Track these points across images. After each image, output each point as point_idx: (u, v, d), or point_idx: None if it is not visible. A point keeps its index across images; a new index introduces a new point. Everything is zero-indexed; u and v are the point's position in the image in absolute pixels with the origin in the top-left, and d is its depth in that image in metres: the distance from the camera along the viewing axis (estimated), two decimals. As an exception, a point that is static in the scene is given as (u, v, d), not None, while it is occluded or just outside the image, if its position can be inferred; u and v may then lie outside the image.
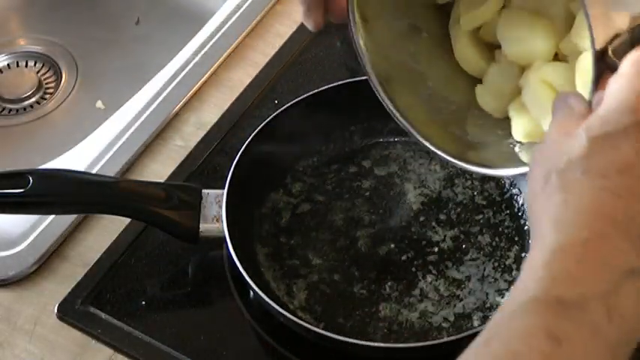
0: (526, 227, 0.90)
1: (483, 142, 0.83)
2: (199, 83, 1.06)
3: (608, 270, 0.53)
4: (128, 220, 0.94)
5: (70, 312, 0.89)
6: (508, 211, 0.92)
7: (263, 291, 0.83)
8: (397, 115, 0.83)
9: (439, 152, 0.82)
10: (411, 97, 0.85)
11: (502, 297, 0.86)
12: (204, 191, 0.90)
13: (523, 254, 0.89)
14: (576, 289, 0.52)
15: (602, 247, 0.53)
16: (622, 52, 0.62)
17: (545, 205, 0.56)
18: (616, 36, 0.63)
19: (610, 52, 0.63)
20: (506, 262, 0.89)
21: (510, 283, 0.87)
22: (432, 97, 0.85)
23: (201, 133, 1.02)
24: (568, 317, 0.52)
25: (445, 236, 0.91)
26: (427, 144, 0.83)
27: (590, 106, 0.61)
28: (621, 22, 0.63)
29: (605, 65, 0.63)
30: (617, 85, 0.58)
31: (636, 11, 0.64)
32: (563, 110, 0.61)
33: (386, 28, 0.84)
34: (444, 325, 0.85)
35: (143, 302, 0.90)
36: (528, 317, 0.53)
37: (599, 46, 0.62)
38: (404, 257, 0.90)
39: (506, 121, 0.83)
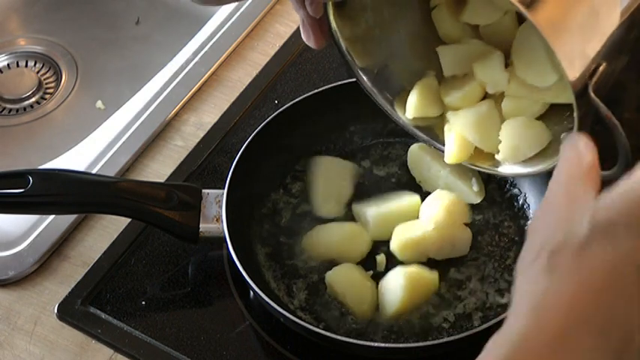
0: (526, 227, 0.90)
1: None
2: (199, 83, 1.06)
3: None
4: (128, 220, 0.94)
5: (70, 312, 0.89)
6: (508, 212, 0.92)
7: (263, 291, 0.83)
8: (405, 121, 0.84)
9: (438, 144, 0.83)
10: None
11: (502, 297, 0.86)
12: (204, 191, 0.90)
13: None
14: None
15: (567, 346, 0.50)
16: (604, 86, 0.61)
17: (528, 283, 0.54)
18: (594, 70, 0.61)
19: (591, 89, 0.61)
20: (507, 262, 0.89)
21: (510, 283, 0.87)
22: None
23: (201, 133, 1.02)
24: None
25: (445, 236, 0.91)
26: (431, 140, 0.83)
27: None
28: (594, 51, 0.61)
29: (587, 105, 0.61)
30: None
31: (607, 33, 0.61)
32: (572, 158, 0.57)
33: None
34: (444, 325, 0.85)
35: (143, 302, 0.90)
36: None
37: (576, 87, 0.60)
38: (404, 257, 0.90)
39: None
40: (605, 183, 0.55)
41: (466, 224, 0.90)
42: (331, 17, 0.78)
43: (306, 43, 0.78)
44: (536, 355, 0.50)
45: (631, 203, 0.52)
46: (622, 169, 0.63)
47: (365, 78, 0.84)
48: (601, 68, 0.61)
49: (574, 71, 0.60)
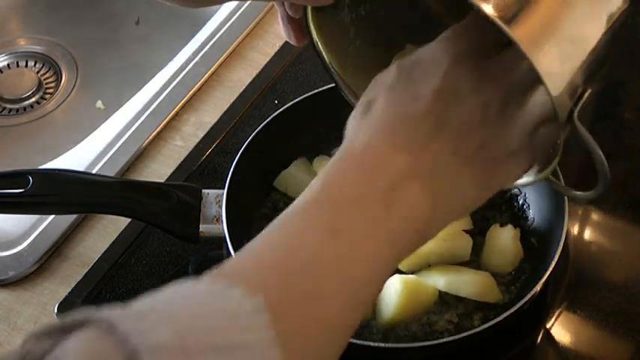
0: (526, 228, 0.90)
1: None
2: (199, 83, 1.06)
3: (384, 174, 0.58)
4: (128, 220, 0.94)
5: (70, 312, 0.89)
6: (508, 212, 0.92)
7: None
8: None
9: None
10: None
11: (502, 296, 0.86)
12: (204, 191, 0.90)
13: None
14: (355, 188, 0.58)
15: (376, 157, 0.59)
16: (585, 110, 0.61)
17: (351, 122, 0.63)
18: (580, 96, 0.61)
19: (576, 116, 0.61)
20: (507, 262, 0.89)
21: (510, 283, 0.87)
22: None
23: (201, 133, 1.02)
24: (346, 213, 0.57)
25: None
26: None
27: None
28: (579, 75, 0.60)
29: (571, 130, 0.61)
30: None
31: (591, 52, 0.61)
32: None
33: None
34: (447, 326, 0.85)
35: (143, 302, 0.90)
36: (307, 215, 0.57)
37: (562, 115, 0.60)
38: (404, 257, 0.90)
39: None
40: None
41: (466, 230, 0.89)
42: (309, 18, 0.77)
43: (287, 40, 0.78)
44: (356, 162, 0.59)
45: (420, 54, 0.62)
46: (601, 190, 0.63)
47: (338, 76, 0.83)
48: (586, 94, 0.61)
49: (558, 93, 0.60)
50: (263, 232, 0.57)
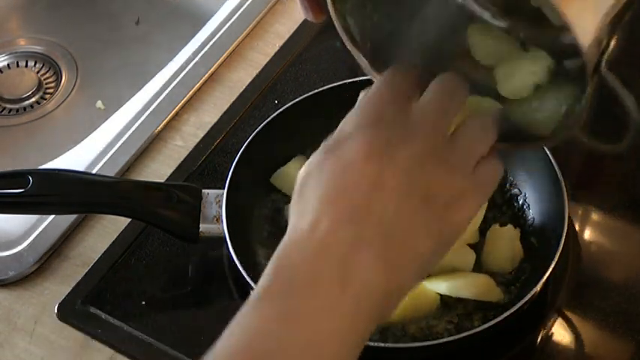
0: (526, 228, 0.90)
1: None
2: (199, 83, 1.06)
3: (332, 251, 0.57)
4: (128, 220, 0.94)
5: (70, 312, 0.89)
6: (508, 212, 0.92)
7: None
8: None
9: None
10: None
11: (502, 296, 0.86)
12: (204, 191, 0.90)
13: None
14: (305, 272, 0.57)
15: (322, 235, 0.58)
16: (611, 59, 0.61)
17: (292, 206, 0.62)
18: (606, 45, 0.61)
19: (604, 63, 0.61)
20: (507, 262, 0.89)
21: (510, 283, 0.87)
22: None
23: (201, 133, 1.02)
24: (298, 299, 0.56)
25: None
26: None
27: None
28: (606, 21, 0.60)
29: (599, 80, 0.61)
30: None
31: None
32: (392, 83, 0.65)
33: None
34: (447, 326, 0.85)
35: (143, 302, 0.90)
36: (264, 304, 0.57)
37: (590, 62, 0.60)
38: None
39: None
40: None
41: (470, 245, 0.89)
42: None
43: (305, 17, 0.77)
44: (302, 242, 0.59)
45: (341, 127, 0.63)
46: (631, 140, 0.63)
47: (359, 52, 0.82)
48: (612, 43, 0.61)
49: (588, 44, 0.59)
50: (226, 328, 0.58)
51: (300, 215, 0.60)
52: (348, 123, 0.62)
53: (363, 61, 0.76)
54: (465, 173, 0.61)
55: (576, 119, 0.64)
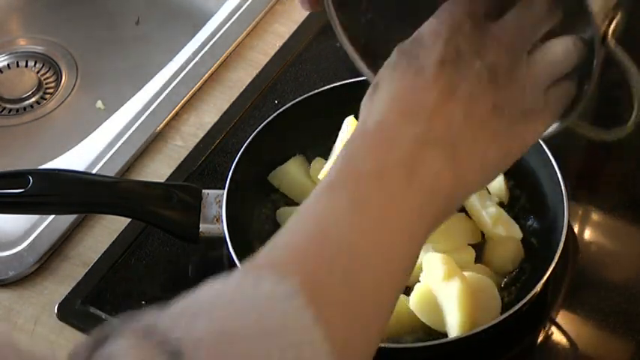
0: (526, 228, 0.90)
1: None
2: (199, 83, 1.06)
3: (399, 146, 0.58)
4: (128, 220, 0.94)
5: (70, 312, 0.89)
6: (508, 213, 0.92)
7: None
8: None
9: None
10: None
11: (502, 298, 0.86)
12: (204, 191, 0.90)
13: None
14: (372, 162, 0.58)
15: (389, 129, 0.59)
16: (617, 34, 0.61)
17: (363, 104, 0.63)
18: (612, 17, 0.61)
19: (610, 35, 0.61)
20: (507, 263, 0.89)
21: (510, 283, 0.87)
22: None
23: (201, 133, 1.02)
24: (366, 189, 0.57)
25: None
26: None
27: None
28: None
29: (606, 52, 0.61)
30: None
31: None
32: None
33: None
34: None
35: (143, 302, 0.90)
36: (331, 195, 0.57)
37: (598, 32, 0.60)
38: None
39: None
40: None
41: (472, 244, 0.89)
42: None
43: (302, 7, 0.77)
44: (373, 134, 0.59)
45: (419, 30, 0.63)
46: (635, 121, 0.63)
47: (351, 46, 0.81)
48: (618, 16, 0.61)
49: (597, 12, 0.60)
50: (288, 221, 0.57)
51: (369, 112, 0.60)
52: (426, 29, 0.62)
53: (353, 55, 0.76)
54: (537, 92, 0.62)
55: (584, 98, 0.64)
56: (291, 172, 0.93)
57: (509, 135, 0.61)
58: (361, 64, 0.75)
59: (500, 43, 0.62)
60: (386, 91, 0.61)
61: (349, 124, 0.91)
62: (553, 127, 0.65)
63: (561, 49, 0.63)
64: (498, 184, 0.90)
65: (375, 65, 0.74)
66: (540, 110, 0.62)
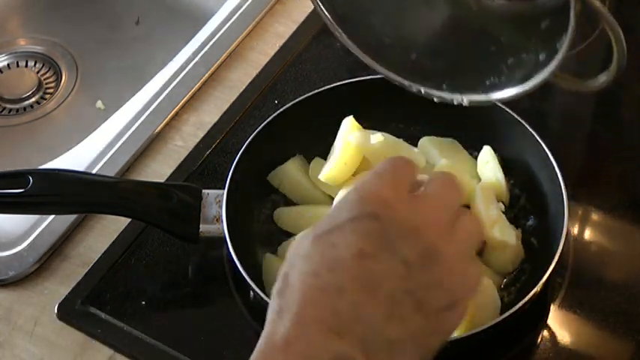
0: (526, 228, 0.90)
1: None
2: (199, 83, 1.06)
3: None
4: (128, 220, 0.94)
5: (70, 312, 0.89)
6: (508, 213, 0.92)
7: (263, 291, 0.83)
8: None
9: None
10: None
11: (502, 298, 0.86)
12: (204, 191, 0.90)
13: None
14: None
15: (303, 343, 0.53)
16: None
17: (272, 299, 0.57)
18: None
19: None
20: (507, 263, 0.89)
21: (510, 283, 0.87)
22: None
23: (201, 133, 1.02)
24: None
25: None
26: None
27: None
28: None
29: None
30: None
31: None
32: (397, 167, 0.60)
33: None
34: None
35: (143, 302, 0.90)
36: None
37: None
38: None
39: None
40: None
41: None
42: None
43: None
44: (281, 351, 0.53)
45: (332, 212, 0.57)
46: (616, 70, 0.62)
47: (342, 31, 0.80)
48: None
49: None
50: None
51: (278, 316, 0.54)
52: (345, 207, 0.57)
53: (328, 20, 0.74)
54: (464, 274, 0.57)
55: (564, 49, 0.63)
56: (290, 172, 0.93)
57: (430, 331, 0.56)
58: (338, 30, 0.74)
59: (424, 223, 0.56)
60: (297, 285, 0.55)
61: (349, 124, 0.91)
62: (536, 80, 0.63)
63: (473, 219, 0.60)
64: (498, 184, 0.90)
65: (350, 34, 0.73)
66: (460, 300, 0.57)
